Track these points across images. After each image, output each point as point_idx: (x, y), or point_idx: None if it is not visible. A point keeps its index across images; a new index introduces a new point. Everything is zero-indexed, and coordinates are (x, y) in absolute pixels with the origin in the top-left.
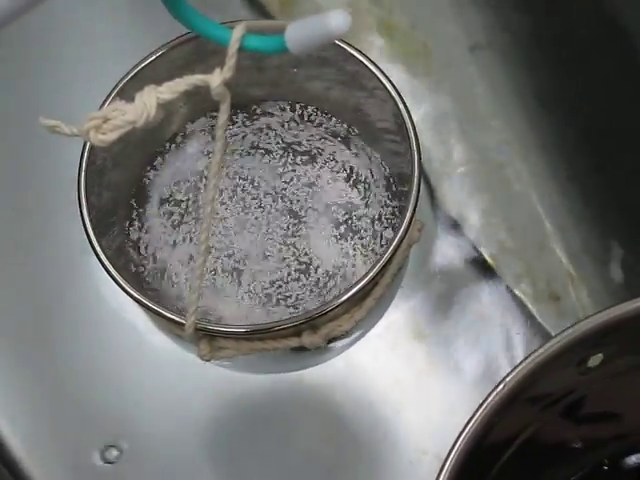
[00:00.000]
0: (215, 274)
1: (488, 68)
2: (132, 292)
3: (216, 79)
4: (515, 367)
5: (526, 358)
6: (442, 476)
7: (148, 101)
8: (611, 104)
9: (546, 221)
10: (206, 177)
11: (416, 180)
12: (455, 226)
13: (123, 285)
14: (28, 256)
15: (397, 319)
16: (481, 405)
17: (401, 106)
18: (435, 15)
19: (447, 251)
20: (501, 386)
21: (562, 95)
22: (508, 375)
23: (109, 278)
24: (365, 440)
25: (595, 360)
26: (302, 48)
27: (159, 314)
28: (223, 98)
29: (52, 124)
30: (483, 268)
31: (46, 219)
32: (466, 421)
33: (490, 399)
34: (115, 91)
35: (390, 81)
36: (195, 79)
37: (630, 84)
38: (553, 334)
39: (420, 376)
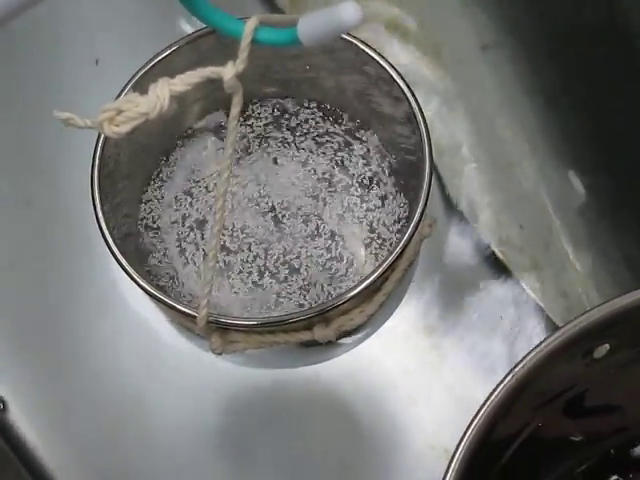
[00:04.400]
0: (227, 267)
1: (497, 66)
2: (145, 286)
3: (229, 71)
4: (523, 358)
5: (534, 349)
6: (451, 469)
7: (161, 93)
8: (620, 101)
9: (555, 217)
10: (218, 172)
11: (427, 176)
12: (466, 222)
13: (136, 279)
14: (43, 249)
15: (408, 314)
16: (489, 396)
17: (413, 103)
18: (446, 14)
19: (458, 246)
20: (509, 377)
21: (570, 93)
22: (516, 366)
23: (123, 272)
24: (375, 434)
25: (601, 351)
26: (314, 40)
27: (172, 307)
28: (236, 90)
29: (66, 117)
30: (493, 263)
31: (61, 213)
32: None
33: (499, 390)
34: (130, 84)
35: (403, 78)
36: (208, 71)
37: (638, 81)
38: None
39: (431, 370)
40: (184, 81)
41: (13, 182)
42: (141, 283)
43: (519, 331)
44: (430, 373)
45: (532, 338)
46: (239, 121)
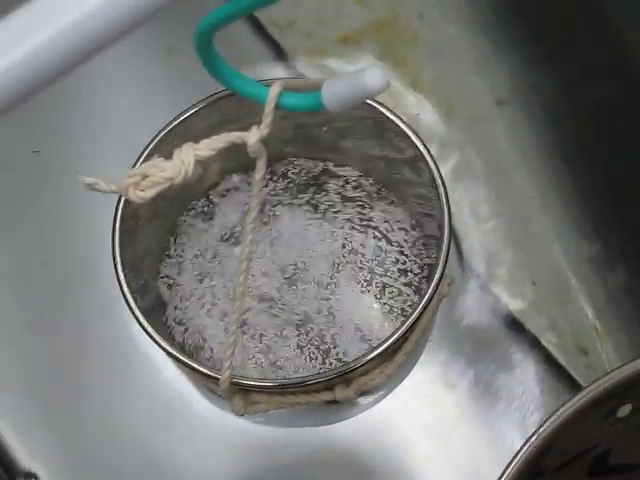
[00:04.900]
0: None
1: (513, 123)
2: (168, 348)
3: (253, 136)
4: (548, 418)
5: (559, 408)
6: None
7: (186, 158)
8: (636, 159)
9: (570, 275)
10: (240, 233)
11: (446, 236)
12: (482, 280)
13: (159, 342)
14: (61, 311)
15: (427, 372)
16: (513, 459)
17: (432, 166)
18: (460, 70)
19: (475, 304)
20: (534, 437)
21: (586, 150)
22: (541, 426)
23: (143, 333)
24: None
25: (624, 411)
26: (339, 106)
27: (194, 369)
28: (260, 155)
29: (91, 181)
30: (510, 321)
31: (78, 274)
32: (498, 476)
33: (523, 451)
34: (151, 145)
35: (421, 139)
36: (233, 136)
37: None
38: (583, 385)
39: (450, 429)
40: (209, 146)
41: (28, 242)
42: (164, 346)
43: (540, 388)
44: (449, 431)
45: (553, 396)
46: (263, 184)
